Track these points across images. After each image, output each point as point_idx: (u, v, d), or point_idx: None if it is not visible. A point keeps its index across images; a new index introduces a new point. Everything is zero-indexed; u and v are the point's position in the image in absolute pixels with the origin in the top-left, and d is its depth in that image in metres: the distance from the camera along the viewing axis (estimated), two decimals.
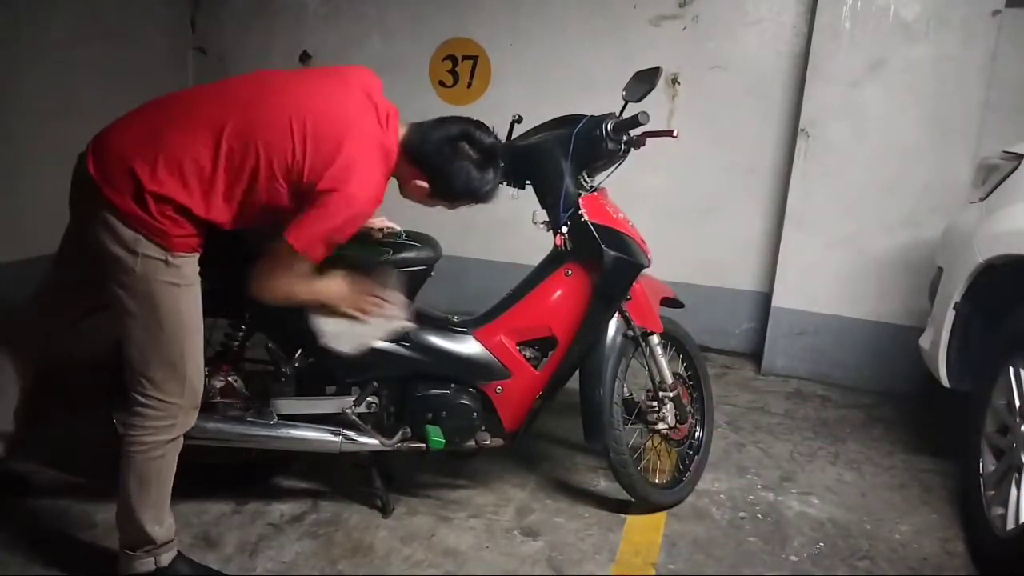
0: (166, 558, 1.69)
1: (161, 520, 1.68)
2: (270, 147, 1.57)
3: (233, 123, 1.56)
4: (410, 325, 1.91)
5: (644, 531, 2.12)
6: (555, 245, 2.05)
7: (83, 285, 1.78)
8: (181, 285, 1.59)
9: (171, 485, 1.69)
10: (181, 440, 1.69)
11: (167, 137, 1.55)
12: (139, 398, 1.60)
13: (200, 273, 1.66)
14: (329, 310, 1.81)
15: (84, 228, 1.60)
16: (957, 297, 2.30)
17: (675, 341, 2.34)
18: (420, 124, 1.78)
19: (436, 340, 2.03)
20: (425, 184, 1.77)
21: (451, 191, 1.78)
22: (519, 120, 2.17)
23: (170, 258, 1.56)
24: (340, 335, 1.84)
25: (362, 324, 1.84)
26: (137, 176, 1.51)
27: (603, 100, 2.30)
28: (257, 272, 1.66)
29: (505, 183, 2.14)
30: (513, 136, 2.19)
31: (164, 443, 1.63)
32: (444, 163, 1.73)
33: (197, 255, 1.63)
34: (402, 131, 1.77)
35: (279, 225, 1.62)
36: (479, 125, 1.78)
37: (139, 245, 1.54)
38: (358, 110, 1.68)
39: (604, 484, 2.35)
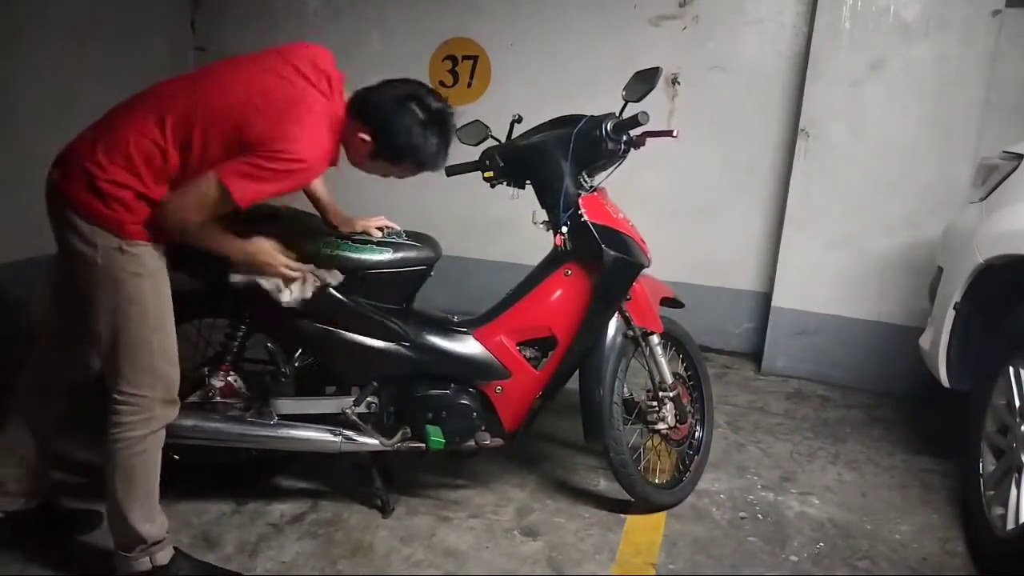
0: (162, 556, 1.69)
1: (152, 518, 1.67)
2: (212, 128, 1.58)
3: (178, 109, 1.59)
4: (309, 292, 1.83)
5: (644, 531, 2.12)
6: (555, 245, 2.05)
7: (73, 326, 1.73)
8: (142, 275, 1.59)
9: (157, 482, 1.69)
10: (162, 435, 1.68)
11: (117, 129, 1.59)
12: (115, 396, 1.61)
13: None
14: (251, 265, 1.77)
15: (56, 236, 1.62)
16: (957, 297, 2.30)
17: (675, 341, 2.34)
18: (369, 86, 1.77)
19: (436, 340, 2.03)
20: (368, 138, 1.72)
21: (392, 146, 1.73)
22: (519, 120, 2.18)
23: (125, 246, 1.57)
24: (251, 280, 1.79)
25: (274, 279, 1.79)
26: (89, 168, 1.55)
27: (603, 100, 2.30)
28: (176, 195, 1.59)
29: (505, 183, 2.16)
30: (513, 136, 2.20)
31: (144, 437, 1.63)
32: (388, 116, 1.71)
33: (158, 245, 1.63)
34: (348, 96, 1.77)
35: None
36: (430, 90, 1.76)
37: (96, 236, 1.56)
38: (301, 79, 1.66)
39: (604, 484, 2.35)
